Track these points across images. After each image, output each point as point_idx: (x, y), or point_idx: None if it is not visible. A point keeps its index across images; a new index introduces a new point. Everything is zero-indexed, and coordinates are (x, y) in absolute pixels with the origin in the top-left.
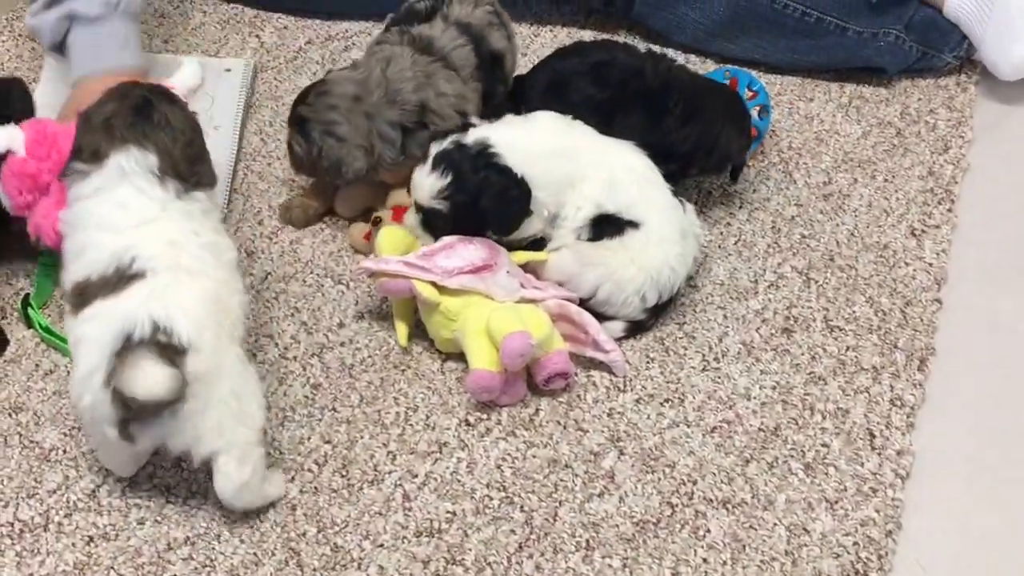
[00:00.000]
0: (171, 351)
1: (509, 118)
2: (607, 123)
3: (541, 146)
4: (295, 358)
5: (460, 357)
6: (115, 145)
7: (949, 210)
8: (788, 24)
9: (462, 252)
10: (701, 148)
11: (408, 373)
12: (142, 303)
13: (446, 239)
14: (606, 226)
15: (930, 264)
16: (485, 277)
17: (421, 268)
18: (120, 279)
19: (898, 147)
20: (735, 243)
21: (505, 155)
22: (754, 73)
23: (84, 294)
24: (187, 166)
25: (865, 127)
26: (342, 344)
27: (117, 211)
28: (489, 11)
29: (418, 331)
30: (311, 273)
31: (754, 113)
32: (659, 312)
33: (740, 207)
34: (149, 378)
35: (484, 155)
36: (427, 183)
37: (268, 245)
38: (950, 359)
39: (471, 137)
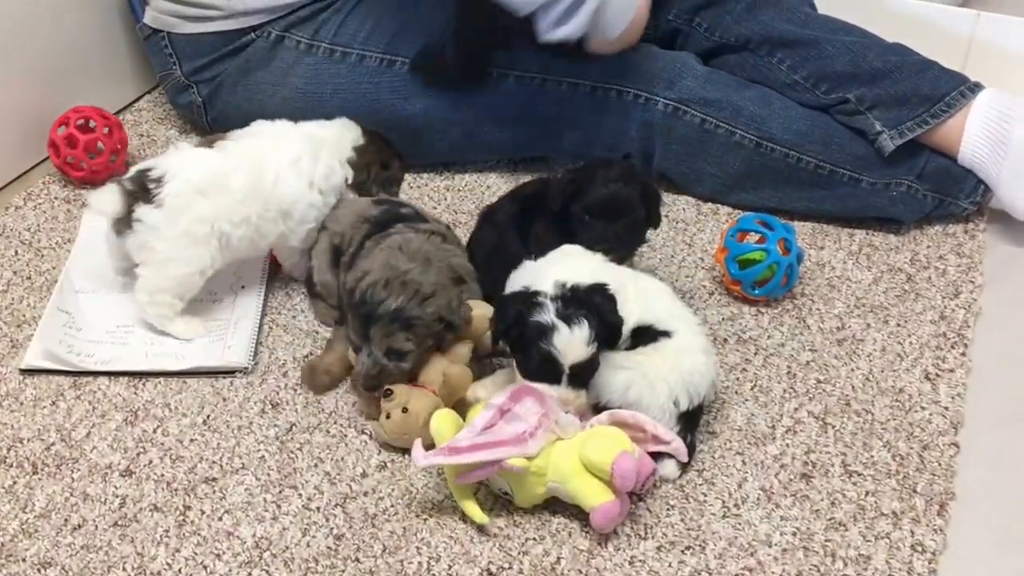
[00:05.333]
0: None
1: (542, 261)
2: (524, 235)
3: (594, 271)
4: (318, 508)
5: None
6: None
7: (963, 354)
8: (802, 177)
9: (520, 413)
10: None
11: (430, 522)
12: None
13: (495, 401)
14: (642, 336)
15: (946, 408)
16: (551, 426)
17: (500, 445)
18: None
19: (909, 292)
20: (751, 388)
21: (581, 285)
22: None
23: None
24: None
25: (876, 273)
26: (365, 494)
27: None
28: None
29: (439, 481)
30: (335, 423)
31: (787, 257)
32: (693, 424)
33: (755, 353)
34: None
35: (578, 290)
36: (577, 339)
37: (293, 396)
38: (970, 503)
39: (548, 287)
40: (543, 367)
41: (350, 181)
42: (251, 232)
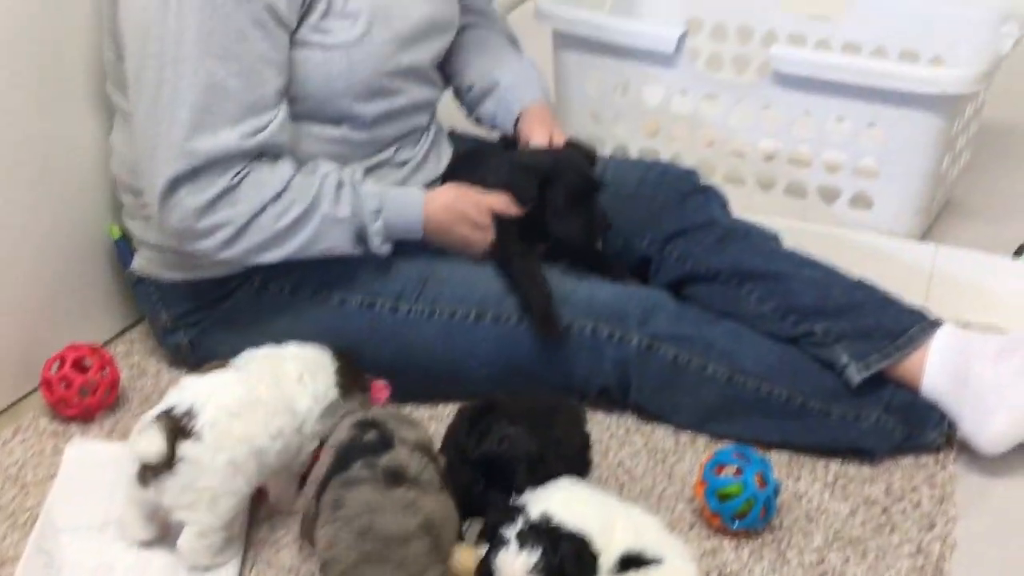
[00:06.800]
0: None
1: (542, 492)
2: None
3: (587, 509)
4: None
5: None
6: None
7: None
8: (774, 409)
9: None
10: None
11: None
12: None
13: None
14: (630, 564)
15: None
16: None
17: None
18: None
19: (885, 525)
20: None
21: (565, 520)
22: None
23: None
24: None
25: (852, 505)
26: None
27: None
28: None
29: None
30: None
31: (764, 490)
32: None
33: None
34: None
35: (557, 526)
36: (519, 563)
37: None
38: None
39: (535, 512)
40: None
41: (337, 397)
42: (282, 445)
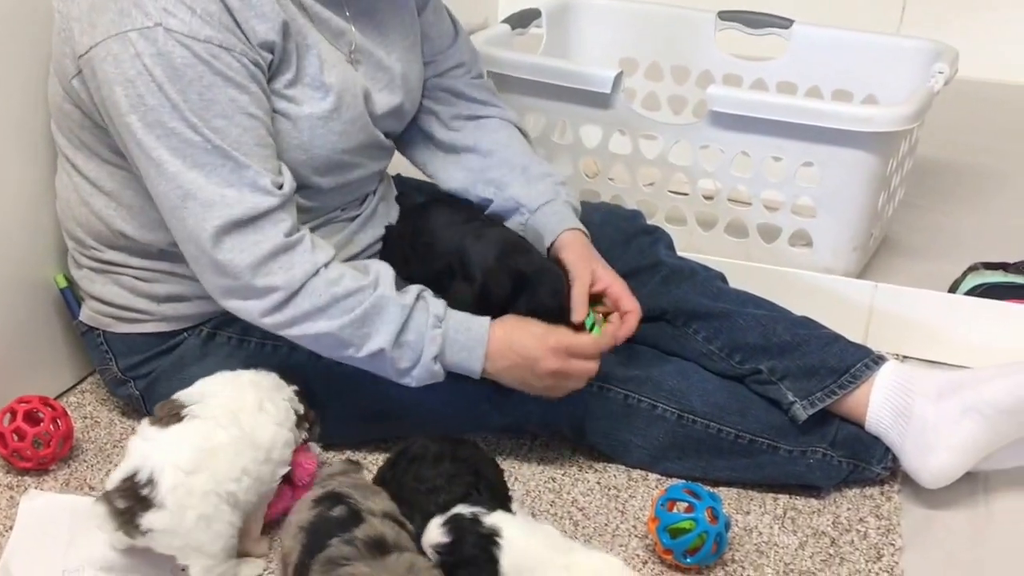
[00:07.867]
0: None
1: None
2: None
3: (541, 550)
4: None
5: None
6: None
7: None
8: (723, 446)
9: None
10: None
11: None
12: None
13: None
14: None
15: None
16: None
17: None
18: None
19: (834, 556)
20: None
21: (505, 550)
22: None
23: None
24: None
25: (801, 537)
26: None
27: None
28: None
29: None
30: None
31: (715, 526)
32: None
33: None
34: None
35: (487, 539)
36: (433, 532)
37: None
38: None
39: (489, 519)
40: None
41: (301, 412)
42: (251, 481)
